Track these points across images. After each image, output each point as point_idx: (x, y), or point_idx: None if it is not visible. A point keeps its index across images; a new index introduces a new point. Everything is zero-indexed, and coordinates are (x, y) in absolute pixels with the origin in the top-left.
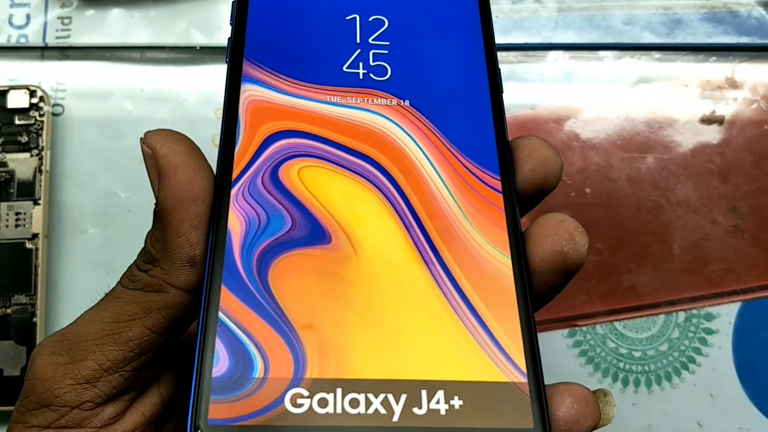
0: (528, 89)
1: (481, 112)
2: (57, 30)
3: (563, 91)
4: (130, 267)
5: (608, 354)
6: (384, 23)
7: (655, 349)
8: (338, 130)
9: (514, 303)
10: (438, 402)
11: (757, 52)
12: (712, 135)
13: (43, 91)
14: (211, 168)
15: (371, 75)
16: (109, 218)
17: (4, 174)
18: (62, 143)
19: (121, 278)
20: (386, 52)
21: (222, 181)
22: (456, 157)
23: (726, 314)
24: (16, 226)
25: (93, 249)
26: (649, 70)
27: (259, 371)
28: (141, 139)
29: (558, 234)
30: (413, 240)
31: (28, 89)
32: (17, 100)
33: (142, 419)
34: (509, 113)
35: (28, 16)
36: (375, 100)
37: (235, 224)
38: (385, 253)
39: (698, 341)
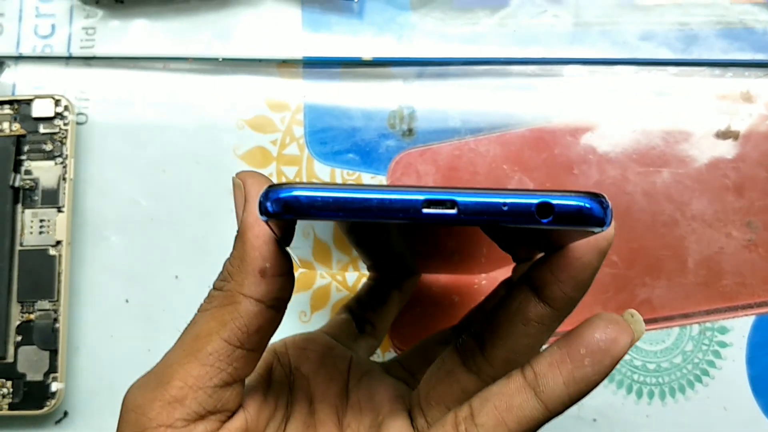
0: (545, 103)
1: None
2: (81, 40)
3: (580, 105)
4: (213, 286)
5: (623, 365)
6: None
7: (669, 362)
8: None
9: None
10: None
11: None
12: (727, 150)
13: (67, 100)
14: None
15: None
16: (131, 226)
17: (29, 182)
18: (86, 151)
19: (202, 305)
20: None
21: None
22: None
23: (740, 328)
24: (40, 233)
25: (115, 256)
26: (665, 85)
27: None
28: (234, 175)
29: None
30: None
31: (53, 98)
32: (42, 109)
33: None
34: (527, 126)
35: (53, 26)
36: None
37: None
38: None
39: (712, 354)
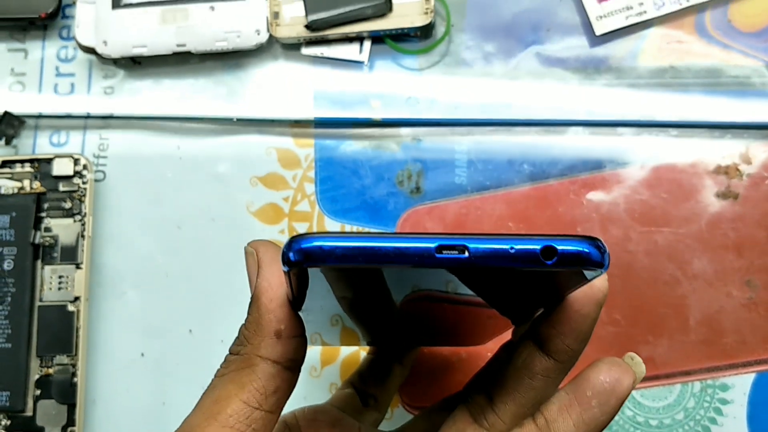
0: (549, 162)
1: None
2: (100, 99)
3: (582, 164)
4: (227, 355)
5: (626, 422)
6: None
7: (671, 418)
8: None
9: None
10: None
11: None
12: (727, 210)
13: (86, 159)
14: None
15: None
16: (147, 281)
17: (48, 239)
18: (103, 208)
19: (219, 370)
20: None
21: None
22: None
23: (741, 385)
24: (59, 288)
25: (131, 311)
26: (666, 147)
27: None
28: (246, 245)
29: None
30: None
31: (72, 157)
32: (62, 167)
33: None
34: (532, 185)
35: (72, 85)
36: None
37: None
38: None
39: (713, 411)
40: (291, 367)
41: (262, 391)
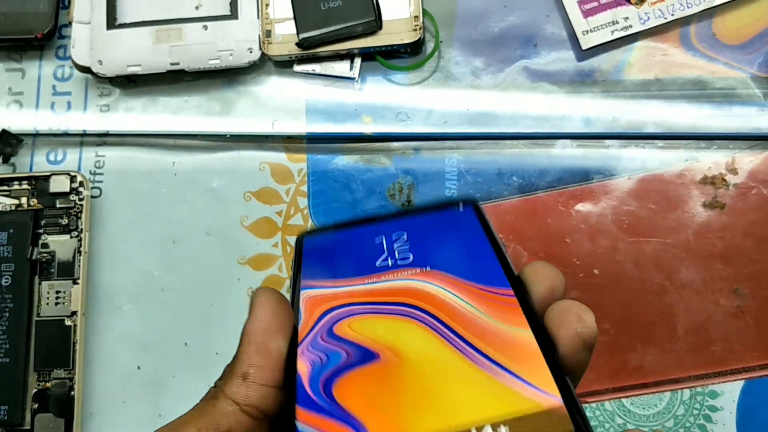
0: (537, 175)
1: (488, 259)
2: (96, 117)
3: (571, 177)
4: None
5: (616, 430)
6: (404, 234)
7: (661, 426)
8: (377, 295)
9: (539, 353)
10: None
11: (756, 140)
12: (714, 219)
13: (82, 176)
14: (289, 315)
15: (398, 262)
16: (143, 296)
17: (46, 255)
18: (100, 224)
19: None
20: (407, 247)
21: (292, 347)
22: (474, 286)
23: (730, 392)
24: (56, 304)
25: (127, 325)
26: (653, 158)
27: None
28: (252, 291)
29: (569, 320)
30: (447, 340)
31: (69, 175)
32: (59, 185)
33: None
34: (520, 197)
35: (69, 104)
36: (403, 273)
37: (303, 367)
38: (425, 352)
39: (703, 418)
40: (251, 413)
41: (215, 425)
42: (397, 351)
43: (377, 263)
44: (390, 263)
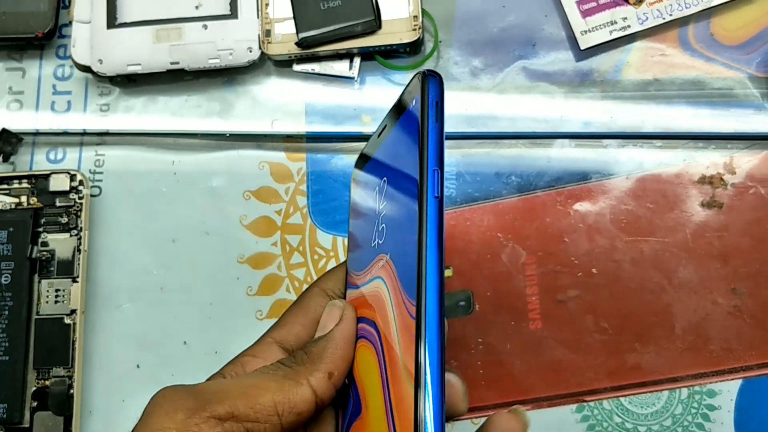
0: (536, 174)
1: (413, 258)
2: (96, 116)
3: (569, 177)
4: (278, 361)
5: (615, 429)
6: (385, 183)
7: (659, 425)
8: (364, 306)
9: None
10: None
11: (754, 140)
12: (712, 219)
13: (82, 175)
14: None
15: (379, 241)
16: (142, 294)
17: (45, 253)
18: (99, 223)
19: (263, 368)
20: (384, 223)
21: None
22: (404, 300)
23: (728, 391)
24: (56, 302)
25: (126, 323)
26: (651, 158)
27: None
28: (336, 301)
29: None
30: (382, 383)
31: (69, 173)
32: (58, 183)
33: None
34: (519, 196)
35: (69, 103)
36: (379, 263)
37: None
38: (375, 402)
39: (701, 417)
40: (319, 406)
41: (292, 405)
42: (366, 400)
43: (372, 243)
44: (376, 244)
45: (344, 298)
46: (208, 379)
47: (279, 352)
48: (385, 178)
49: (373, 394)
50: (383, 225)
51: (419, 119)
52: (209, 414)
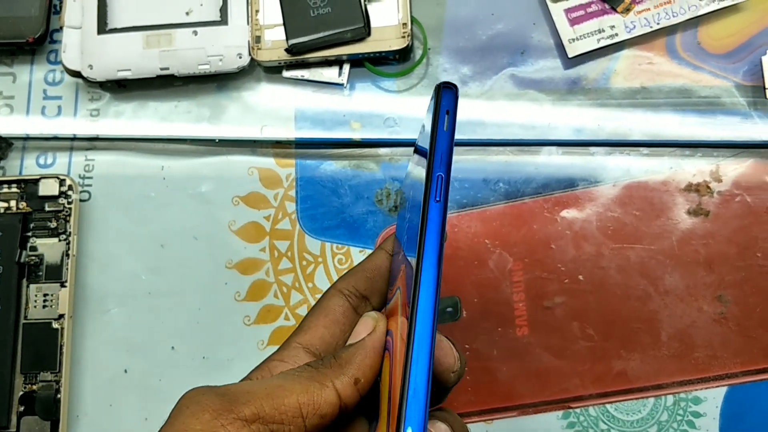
0: (523, 181)
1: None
2: (86, 121)
3: (557, 184)
4: (305, 364)
5: None
6: (408, 215)
7: (645, 431)
8: (390, 317)
9: None
10: None
11: (740, 149)
12: (698, 227)
13: (71, 179)
14: None
15: (404, 251)
16: (131, 299)
17: (34, 258)
18: (88, 228)
19: (289, 370)
20: (407, 234)
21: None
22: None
23: (713, 398)
24: (44, 306)
25: (115, 328)
26: (638, 165)
27: None
28: (370, 312)
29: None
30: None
31: (58, 178)
32: (48, 188)
33: None
34: (507, 203)
35: (59, 108)
36: (401, 273)
37: None
38: (384, 415)
39: (686, 424)
40: (343, 410)
41: (315, 407)
42: (380, 408)
43: (399, 256)
44: (401, 256)
45: (367, 299)
46: (237, 382)
47: (306, 355)
48: (411, 191)
49: (383, 402)
50: (406, 236)
51: (431, 127)
52: (236, 415)
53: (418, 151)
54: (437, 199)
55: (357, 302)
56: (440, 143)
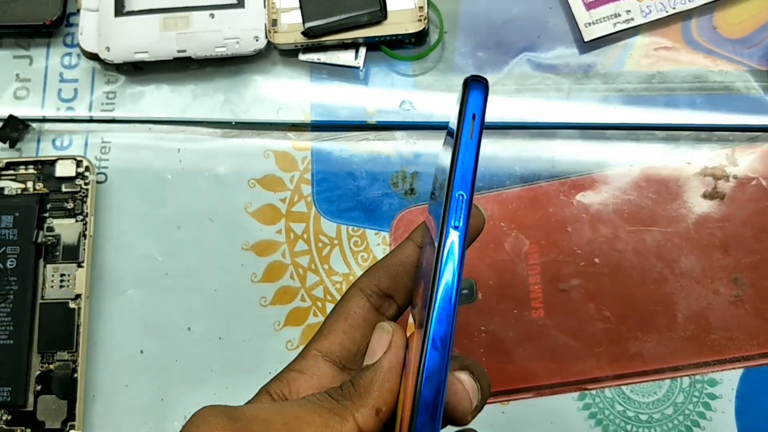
0: (539, 164)
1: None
2: (102, 104)
3: (572, 167)
4: (325, 392)
5: (616, 417)
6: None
7: (661, 413)
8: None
9: None
10: None
11: (756, 132)
12: (714, 210)
13: (88, 161)
14: None
15: (422, 268)
16: (147, 280)
17: (51, 238)
18: (105, 209)
19: (309, 396)
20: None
21: None
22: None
23: (729, 380)
24: (61, 287)
25: (131, 309)
26: (654, 149)
27: None
28: (384, 323)
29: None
30: None
31: (75, 159)
32: (65, 169)
33: None
34: (523, 186)
35: (75, 91)
36: (417, 298)
37: None
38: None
39: (702, 406)
40: None
41: None
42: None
43: (423, 264)
44: (424, 264)
45: (391, 297)
46: (254, 396)
47: (325, 365)
48: (441, 176)
49: (397, 418)
50: (435, 224)
51: (455, 132)
52: None
53: (450, 134)
54: (455, 225)
55: (379, 302)
56: (462, 156)
